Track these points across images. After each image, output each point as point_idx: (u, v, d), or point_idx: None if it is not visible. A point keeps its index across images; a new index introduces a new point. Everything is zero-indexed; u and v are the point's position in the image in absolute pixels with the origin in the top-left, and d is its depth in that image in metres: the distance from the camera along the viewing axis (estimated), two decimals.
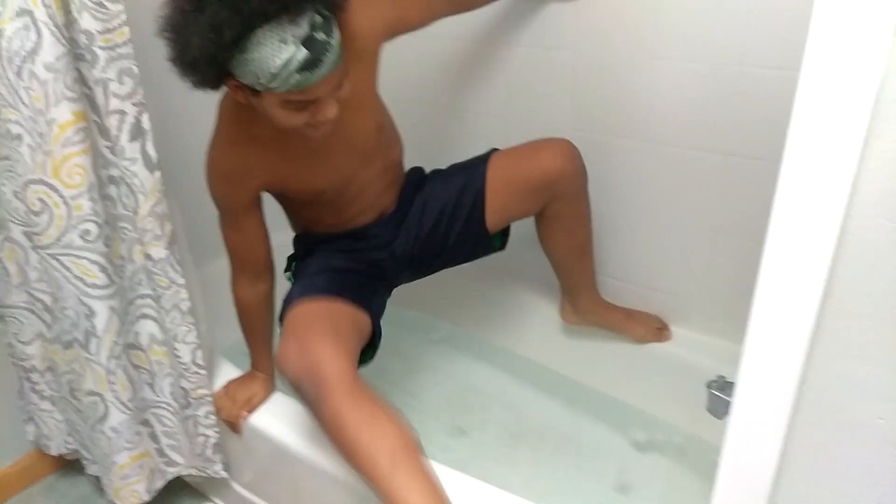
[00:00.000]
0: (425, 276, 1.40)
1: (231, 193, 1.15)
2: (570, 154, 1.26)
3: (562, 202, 1.29)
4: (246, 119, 1.08)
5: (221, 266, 1.72)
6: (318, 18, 0.90)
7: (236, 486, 1.41)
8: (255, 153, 1.11)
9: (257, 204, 1.19)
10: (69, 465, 1.56)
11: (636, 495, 1.35)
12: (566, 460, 1.43)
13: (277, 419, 1.27)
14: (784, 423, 0.57)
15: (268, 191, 1.20)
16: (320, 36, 0.90)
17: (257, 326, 1.31)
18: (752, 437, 0.60)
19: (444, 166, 1.70)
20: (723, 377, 1.08)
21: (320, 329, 1.05)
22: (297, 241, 1.36)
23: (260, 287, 1.27)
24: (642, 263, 1.49)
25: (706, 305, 1.44)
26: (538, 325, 1.65)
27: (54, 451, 1.42)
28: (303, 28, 0.89)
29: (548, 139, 1.29)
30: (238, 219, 1.18)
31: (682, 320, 1.48)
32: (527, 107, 1.50)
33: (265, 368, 1.32)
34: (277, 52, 0.88)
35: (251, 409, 1.28)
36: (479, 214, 1.29)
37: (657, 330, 1.47)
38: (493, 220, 1.30)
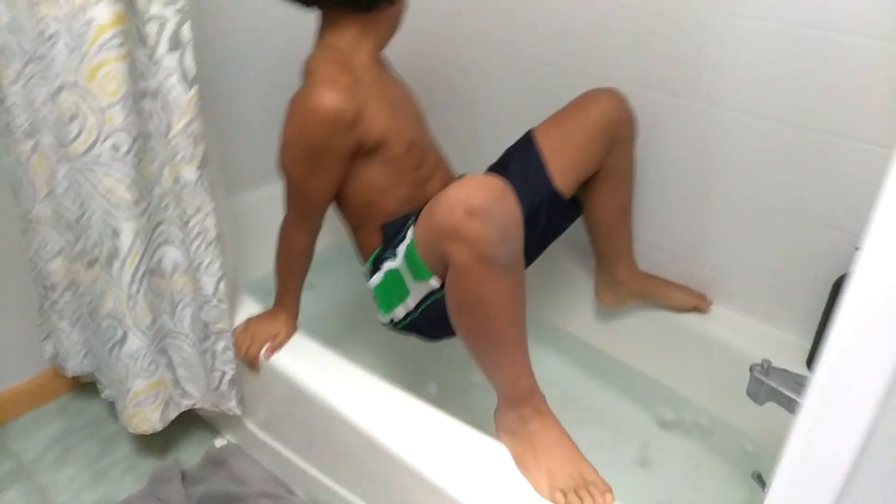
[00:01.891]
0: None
1: (336, 139, 1.08)
2: (623, 98, 1.24)
3: (619, 152, 1.25)
4: (350, 69, 1.11)
5: (254, 197, 1.70)
6: None
7: (249, 424, 1.39)
8: (366, 99, 1.10)
9: (348, 156, 1.13)
10: (84, 386, 1.56)
11: (656, 471, 1.31)
12: (587, 432, 1.36)
13: (296, 359, 1.24)
14: (871, 408, 0.51)
15: (369, 142, 1.13)
16: None
17: (298, 270, 1.27)
18: (828, 421, 0.54)
19: (498, 115, 1.59)
20: (768, 361, 1.02)
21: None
22: (389, 227, 1.21)
23: (313, 235, 1.23)
24: (688, 235, 1.42)
25: (751, 286, 1.37)
26: (570, 294, 1.60)
27: (70, 372, 1.41)
28: None
29: (592, 90, 1.25)
30: (326, 165, 1.11)
31: (722, 299, 1.42)
32: (585, 56, 1.41)
33: (290, 309, 1.28)
34: None
35: (274, 348, 1.24)
36: (549, 189, 1.22)
37: (697, 297, 1.41)
38: (565, 184, 1.23)
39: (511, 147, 1.30)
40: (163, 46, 0.96)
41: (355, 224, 1.26)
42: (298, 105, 1.07)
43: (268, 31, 1.57)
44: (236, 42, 1.55)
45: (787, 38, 1.15)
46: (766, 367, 1.01)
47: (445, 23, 1.61)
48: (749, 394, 1.03)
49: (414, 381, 1.49)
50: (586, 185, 1.30)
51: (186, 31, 0.96)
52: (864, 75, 1.10)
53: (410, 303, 1.13)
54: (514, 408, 1.03)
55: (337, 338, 1.58)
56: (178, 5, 0.94)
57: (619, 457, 1.33)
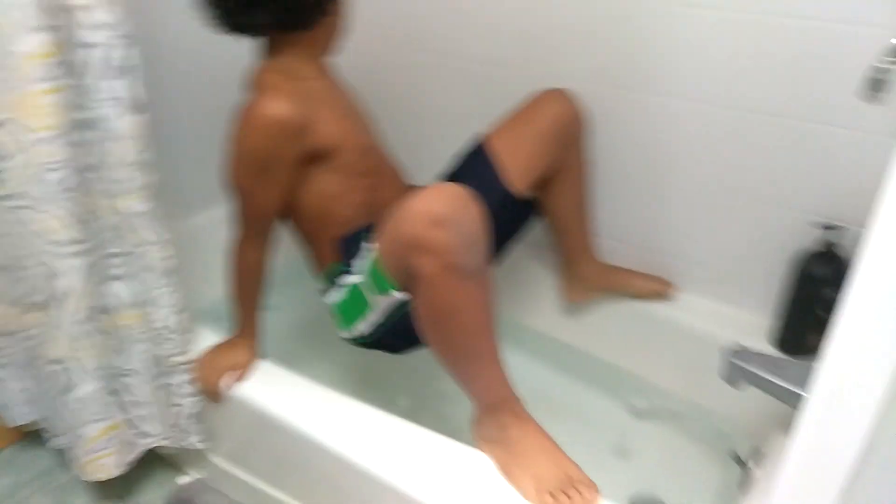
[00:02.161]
0: None
1: (283, 146, 1.06)
2: (572, 98, 1.24)
3: (572, 150, 1.26)
4: (294, 78, 1.10)
5: (198, 221, 1.62)
6: None
7: (214, 458, 1.32)
8: (314, 107, 1.09)
9: (296, 164, 1.10)
10: (29, 437, 1.45)
11: (635, 460, 1.32)
12: (562, 428, 1.36)
13: (259, 386, 1.18)
14: (877, 398, 0.50)
15: (319, 149, 1.11)
16: None
17: (254, 291, 1.21)
18: (835, 412, 0.53)
19: (449, 118, 1.58)
20: (742, 345, 1.03)
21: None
22: (346, 241, 1.18)
23: (267, 250, 1.19)
24: (647, 224, 1.42)
25: (712, 270, 1.38)
26: (533, 290, 1.58)
27: (13, 422, 1.31)
28: None
29: (541, 92, 1.25)
30: (275, 174, 1.09)
31: (685, 285, 1.43)
32: (536, 56, 1.40)
33: (250, 334, 1.23)
34: None
35: (238, 378, 1.18)
36: (502, 191, 1.20)
37: (661, 283, 1.41)
38: (520, 186, 1.22)
39: (460, 153, 1.29)
40: (104, 74, 0.89)
41: (309, 237, 1.22)
42: (244, 115, 1.05)
43: (201, 50, 1.50)
44: (167, 64, 1.47)
45: (735, 25, 1.16)
46: (741, 352, 1.02)
47: (391, 26, 1.56)
48: (724, 378, 1.03)
49: (383, 395, 1.44)
50: (542, 184, 1.29)
51: (130, 58, 0.89)
52: (810, 57, 1.11)
53: (373, 317, 1.09)
54: (492, 415, 1.01)
55: (298, 359, 1.52)
56: (119, 31, 0.87)
57: (597, 450, 1.33)
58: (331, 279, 1.18)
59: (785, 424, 1.07)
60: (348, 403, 1.13)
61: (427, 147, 1.63)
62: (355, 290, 1.10)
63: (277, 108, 1.02)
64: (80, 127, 0.95)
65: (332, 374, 1.50)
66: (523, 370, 1.52)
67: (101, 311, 1.10)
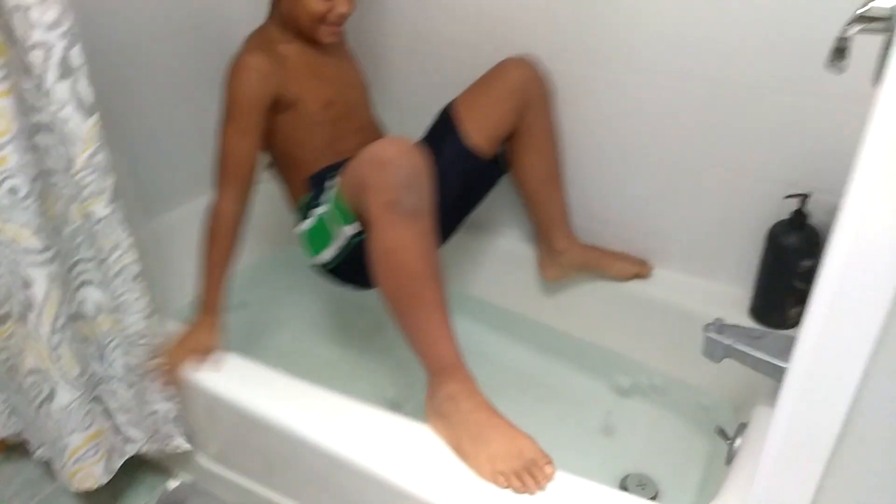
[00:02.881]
0: (451, 234, 1.41)
1: (258, 87, 1.22)
2: (531, 61, 1.32)
3: (535, 113, 1.32)
4: (271, 41, 1.27)
5: (170, 219, 1.60)
6: None
7: (201, 459, 1.31)
8: (283, 66, 1.27)
9: (268, 110, 1.25)
10: (11, 448, 1.43)
11: (621, 438, 1.33)
12: (548, 409, 1.39)
13: (241, 384, 1.17)
14: (858, 371, 0.51)
15: (286, 97, 1.26)
16: None
17: (225, 251, 1.24)
18: (815, 388, 0.54)
19: (409, 97, 1.61)
20: (720, 320, 1.04)
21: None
22: (313, 179, 1.32)
23: (242, 205, 1.26)
24: (621, 201, 1.43)
25: (688, 244, 1.40)
26: (513, 273, 1.59)
27: None
28: None
29: (503, 59, 1.33)
30: (250, 120, 1.23)
31: (662, 260, 1.44)
32: (498, 36, 1.39)
33: (212, 312, 1.23)
34: None
35: (202, 359, 1.19)
36: (460, 146, 1.30)
37: (638, 264, 1.43)
38: (481, 141, 1.31)
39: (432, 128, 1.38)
40: (52, 75, 0.87)
41: (283, 175, 1.38)
42: (229, 69, 1.23)
43: (166, 45, 1.48)
44: (133, 60, 1.45)
45: None
46: (719, 326, 1.03)
47: (357, 13, 1.55)
48: (705, 353, 1.05)
49: (369, 388, 1.45)
50: (515, 145, 1.35)
51: (76, 56, 0.87)
52: (775, 27, 1.12)
53: (335, 246, 1.22)
54: (442, 384, 1.01)
55: (280, 354, 1.52)
56: (63, 29, 0.85)
57: (584, 429, 1.34)
58: (303, 211, 1.31)
59: (766, 396, 1.09)
60: (332, 398, 1.13)
61: (405, 131, 1.63)
62: (321, 221, 1.24)
63: (249, 57, 1.22)
64: (36, 130, 0.93)
65: (314, 370, 1.50)
66: (509, 354, 1.54)
67: (78, 317, 1.08)
